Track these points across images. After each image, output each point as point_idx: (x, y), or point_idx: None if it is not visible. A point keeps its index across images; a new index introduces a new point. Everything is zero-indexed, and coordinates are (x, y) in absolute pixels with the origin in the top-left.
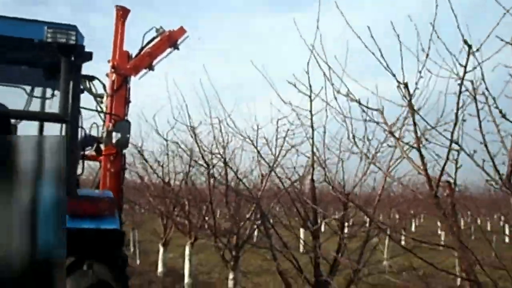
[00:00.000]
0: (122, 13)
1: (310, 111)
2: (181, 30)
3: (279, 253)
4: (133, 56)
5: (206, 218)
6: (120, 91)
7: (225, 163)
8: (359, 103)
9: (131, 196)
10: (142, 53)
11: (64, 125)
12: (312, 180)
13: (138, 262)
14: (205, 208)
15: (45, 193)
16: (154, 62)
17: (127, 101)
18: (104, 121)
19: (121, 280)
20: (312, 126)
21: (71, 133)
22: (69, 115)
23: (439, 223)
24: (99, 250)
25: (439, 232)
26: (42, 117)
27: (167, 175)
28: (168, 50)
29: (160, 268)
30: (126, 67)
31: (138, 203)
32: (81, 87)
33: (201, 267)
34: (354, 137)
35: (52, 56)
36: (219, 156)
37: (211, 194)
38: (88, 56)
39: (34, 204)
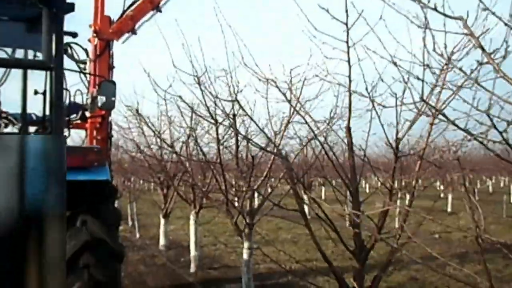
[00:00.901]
0: None
1: (347, 43)
2: None
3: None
4: (115, 20)
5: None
6: (103, 56)
7: (238, 104)
8: (436, 10)
9: (127, 166)
10: (124, 16)
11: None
12: (349, 128)
13: (137, 236)
14: (211, 172)
15: (34, 145)
16: (137, 25)
17: (110, 67)
18: (88, 88)
19: (114, 236)
20: (349, 60)
21: (56, 82)
22: (54, 63)
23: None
24: (90, 202)
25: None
26: (26, 64)
27: (168, 139)
28: (151, 12)
29: (162, 241)
30: (108, 32)
31: (135, 173)
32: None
33: (205, 238)
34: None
35: (33, 8)
36: (230, 102)
37: (220, 154)
38: (70, 7)
39: (22, 157)
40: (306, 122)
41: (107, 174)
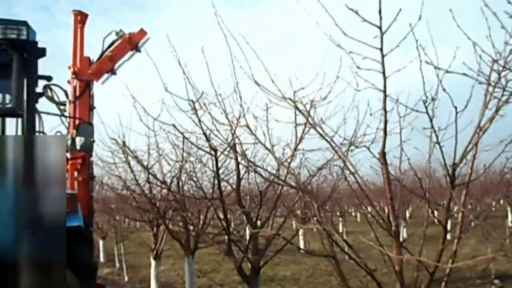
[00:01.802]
0: (80, 18)
1: (381, 50)
2: (142, 32)
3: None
4: (94, 61)
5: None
6: (83, 97)
7: (249, 130)
8: None
9: (113, 204)
10: (103, 57)
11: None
12: (384, 153)
13: (126, 279)
14: (205, 209)
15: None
16: (116, 66)
17: (91, 107)
18: (68, 128)
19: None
20: (383, 72)
21: (27, 128)
22: (24, 110)
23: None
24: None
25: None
26: None
27: (159, 172)
28: (130, 53)
29: (153, 285)
30: (87, 73)
31: (120, 211)
32: (42, 92)
33: (198, 280)
34: None
35: (4, 54)
36: (240, 126)
37: (221, 189)
38: (41, 52)
39: None
40: (329, 143)
41: (80, 220)
